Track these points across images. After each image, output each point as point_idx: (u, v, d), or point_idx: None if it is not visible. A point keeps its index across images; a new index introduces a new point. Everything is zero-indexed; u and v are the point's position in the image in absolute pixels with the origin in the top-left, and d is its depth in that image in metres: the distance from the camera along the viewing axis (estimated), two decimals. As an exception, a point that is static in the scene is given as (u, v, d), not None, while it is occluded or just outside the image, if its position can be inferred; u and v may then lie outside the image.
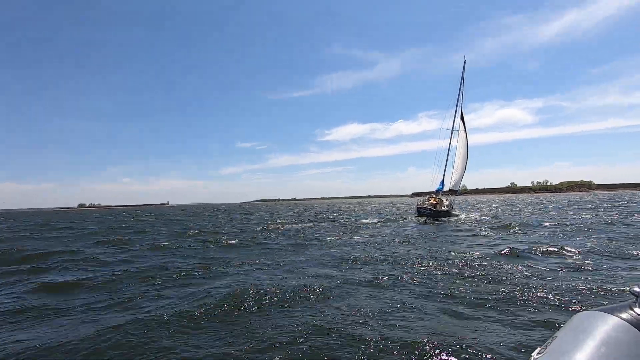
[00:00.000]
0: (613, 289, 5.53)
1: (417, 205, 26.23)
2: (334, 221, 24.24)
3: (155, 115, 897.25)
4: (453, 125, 28.88)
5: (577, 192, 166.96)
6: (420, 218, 24.66)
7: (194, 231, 18.69)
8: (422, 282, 6.44)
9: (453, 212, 26.21)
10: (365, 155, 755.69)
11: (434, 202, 25.81)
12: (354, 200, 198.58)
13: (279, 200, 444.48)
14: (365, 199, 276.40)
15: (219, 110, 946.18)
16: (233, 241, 13.41)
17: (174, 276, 7.56)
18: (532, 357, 0.72)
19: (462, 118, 28.51)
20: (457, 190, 29.32)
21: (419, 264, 8.04)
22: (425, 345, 3.71)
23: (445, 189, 29.26)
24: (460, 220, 22.11)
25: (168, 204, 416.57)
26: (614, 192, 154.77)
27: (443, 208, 25.45)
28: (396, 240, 12.62)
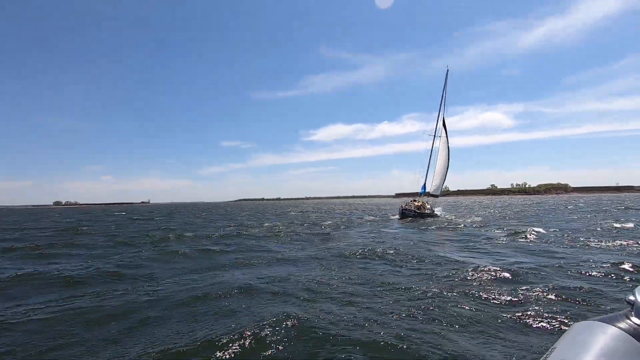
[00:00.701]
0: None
1: (402, 207, 26.95)
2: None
3: (136, 112, 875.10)
4: (435, 130, 29.73)
5: (554, 195, 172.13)
6: (404, 219, 24.96)
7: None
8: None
9: (434, 214, 27.39)
10: (349, 155, 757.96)
11: (419, 204, 26.92)
12: (337, 201, 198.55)
13: (263, 199, 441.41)
14: (350, 199, 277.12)
15: (203, 108, 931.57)
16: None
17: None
18: None
19: (444, 125, 29.22)
20: (437, 195, 30.40)
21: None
22: None
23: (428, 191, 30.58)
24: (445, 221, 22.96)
25: (149, 202, 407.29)
26: (590, 194, 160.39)
27: (426, 210, 26.60)
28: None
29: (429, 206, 27.62)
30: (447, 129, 29.00)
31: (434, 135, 29.64)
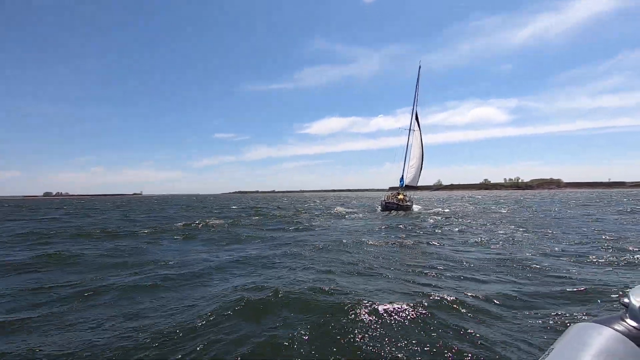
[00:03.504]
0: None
1: (384, 200, 27.59)
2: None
3: (128, 104, 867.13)
4: (411, 124, 30.90)
5: (547, 190, 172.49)
6: (386, 212, 25.52)
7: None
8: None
9: (411, 207, 28.06)
10: (345, 149, 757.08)
11: (402, 197, 27.73)
12: (330, 194, 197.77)
13: (257, 192, 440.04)
14: (344, 192, 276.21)
15: (196, 99, 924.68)
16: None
17: None
18: None
19: (417, 118, 30.62)
20: (415, 186, 31.38)
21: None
22: None
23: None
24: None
25: (141, 193, 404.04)
26: (581, 190, 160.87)
27: (408, 203, 27.50)
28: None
29: (408, 198, 28.53)
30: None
31: (409, 130, 30.71)
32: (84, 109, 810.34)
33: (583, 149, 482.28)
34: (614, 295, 5.04)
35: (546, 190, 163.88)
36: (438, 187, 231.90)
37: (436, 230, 13.59)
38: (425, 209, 28.73)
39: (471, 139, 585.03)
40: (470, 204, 38.50)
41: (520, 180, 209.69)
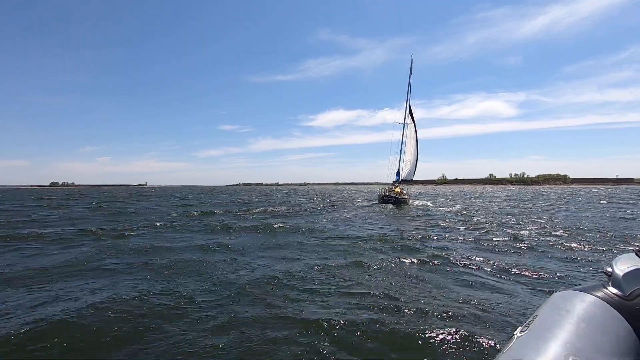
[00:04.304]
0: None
1: (382, 194, 27.85)
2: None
3: (133, 94, 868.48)
4: (405, 119, 30.64)
5: (553, 185, 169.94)
6: (385, 205, 25.77)
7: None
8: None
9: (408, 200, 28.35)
10: (349, 142, 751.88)
11: (399, 190, 27.96)
12: (332, 187, 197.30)
13: (261, 184, 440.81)
14: (349, 186, 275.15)
15: (200, 91, 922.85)
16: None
17: None
18: (515, 336, 0.71)
19: (410, 113, 30.30)
20: (410, 180, 31.15)
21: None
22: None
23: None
24: None
25: (146, 184, 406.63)
26: (589, 186, 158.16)
27: (405, 196, 27.55)
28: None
29: (405, 192, 28.65)
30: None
31: (404, 124, 30.54)
32: (91, 99, 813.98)
33: (588, 145, 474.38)
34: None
35: (552, 186, 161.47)
36: (443, 181, 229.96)
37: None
38: (435, 206, 25.90)
39: (477, 133, 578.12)
40: (486, 200, 37.44)
41: (526, 176, 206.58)
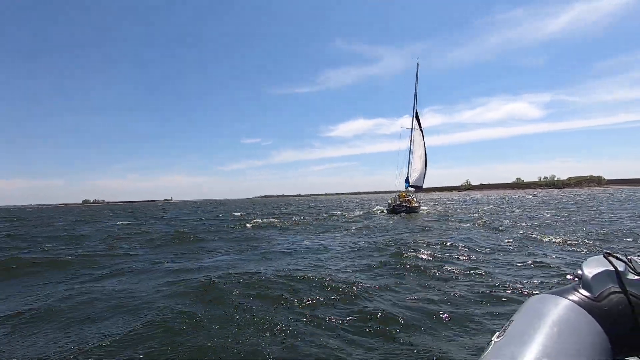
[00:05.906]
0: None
1: (391, 203, 26.97)
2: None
3: (159, 111, 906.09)
4: (412, 124, 30.02)
5: (586, 188, 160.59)
6: (396, 215, 24.49)
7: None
8: None
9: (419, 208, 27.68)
10: (370, 151, 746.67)
11: (405, 196, 27.63)
12: (346, 197, 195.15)
13: (283, 196, 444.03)
14: (370, 195, 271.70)
15: (224, 105, 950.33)
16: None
17: None
18: (493, 341, 0.73)
19: (417, 118, 29.77)
20: (420, 187, 30.38)
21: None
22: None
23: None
24: None
25: (172, 200, 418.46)
26: (627, 187, 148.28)
27: (415, 204, 26.76)
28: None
29: (415, 200, 27.95)
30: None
31: (412, 129, 29.93)
32: (122, 118, 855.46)
33: (621, 144, 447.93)
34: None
35: (586, 188, 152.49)
36: (468, 187, 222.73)
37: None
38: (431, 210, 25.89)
39: (502, 136, 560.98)
40: (510, 205, 35.04)
41: (556, 179, 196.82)
